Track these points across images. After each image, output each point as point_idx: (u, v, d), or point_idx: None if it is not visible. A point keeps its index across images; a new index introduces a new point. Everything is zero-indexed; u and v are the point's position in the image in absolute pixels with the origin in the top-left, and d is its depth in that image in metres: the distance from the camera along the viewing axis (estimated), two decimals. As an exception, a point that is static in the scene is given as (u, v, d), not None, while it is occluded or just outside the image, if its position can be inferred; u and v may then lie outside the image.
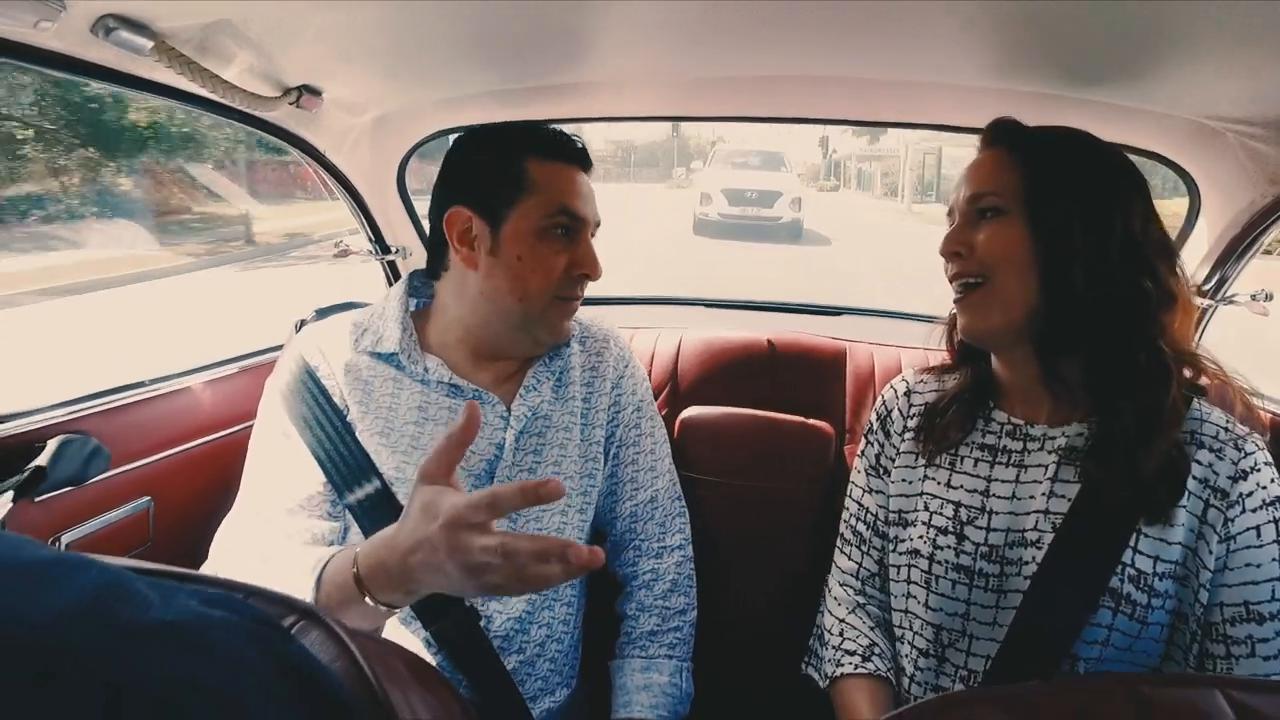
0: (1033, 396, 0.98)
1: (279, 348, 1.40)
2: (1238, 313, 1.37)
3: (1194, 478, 0.87)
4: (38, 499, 1.00)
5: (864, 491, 1.11)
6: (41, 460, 0.96)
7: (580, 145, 1.14)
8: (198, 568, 1.06)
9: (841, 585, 1.11)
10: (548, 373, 1.17)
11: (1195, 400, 0.92)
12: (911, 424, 1.07)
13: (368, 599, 0.79)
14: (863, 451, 1.13)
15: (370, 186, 1.57)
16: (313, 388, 1.09)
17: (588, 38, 1.12)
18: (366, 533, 1.03)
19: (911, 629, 1.00)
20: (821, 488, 1.41)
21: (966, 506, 0.97)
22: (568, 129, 1.16)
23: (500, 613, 1.06)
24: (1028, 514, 0.93)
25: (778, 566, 1.41)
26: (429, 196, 1.17)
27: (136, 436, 1.18)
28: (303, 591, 0.85)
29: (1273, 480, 0.86)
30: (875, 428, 1.12)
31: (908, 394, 1.11)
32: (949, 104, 1.32)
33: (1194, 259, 1.36)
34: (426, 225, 1.17)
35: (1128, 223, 0.88)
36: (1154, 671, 0.89)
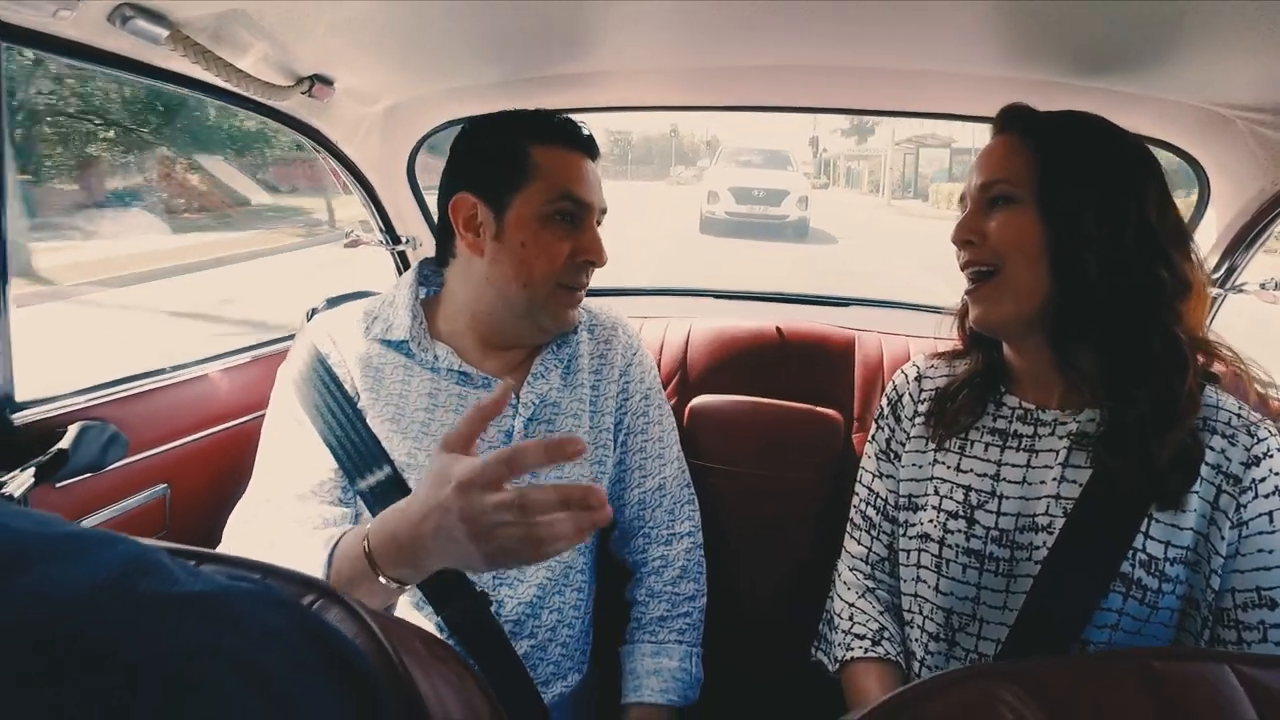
0: (1044, 382, 0.98)
1: (292, 337, 1.41)
2: (1247, 301, 1.37)
3: (1206, 463, 0.87)
4: (58, 485, 1.01)
5: (874, 476, 1.11)
6: (63, 444, 0.98)
7: (586, 133, 1.14)
8: (214, 555, 1.07)
9: (851, 570, 1.12)
10: (555, 360, 1.18)
11: (1208, 386, 0.91)
12: (922, 408, 1.07)
13: (380, 577, 0.79)
14: (873, 436, 1.14)
15: (380, 176, 1.58)
16: (324, 375, 1.10)
17: (596, 28, 1.13)
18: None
19: (921, 613, 1.01)
20: (830, 476, 1.41)
21: (977, 491, 0.97)
22: (575, 118, 1.16)
23: (511, 597, 1.07)
24: (1038, 499, 0.93)
25: (787, 554, 1.42)
26: (437, 190, 1.17)
27: (153, 424, 1.19)
28: (315, 570, 0.86)
29: None
30: (886, 412, 1.12)
31: (919, 379, 1.11)
32: (958, 93, 1.31)
33: (1203, 247, 1.36)
34: (437, 215, 1.18)
35: (1142, 209, 0.88)
36: None
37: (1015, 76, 1.18)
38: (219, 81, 1.04)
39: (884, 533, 1.09)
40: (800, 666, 1.17)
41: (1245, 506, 0.85)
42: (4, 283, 0.92)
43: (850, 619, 1.07)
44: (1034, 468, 0.95)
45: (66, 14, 0.83)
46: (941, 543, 0.98)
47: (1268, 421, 0.89)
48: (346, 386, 1.11)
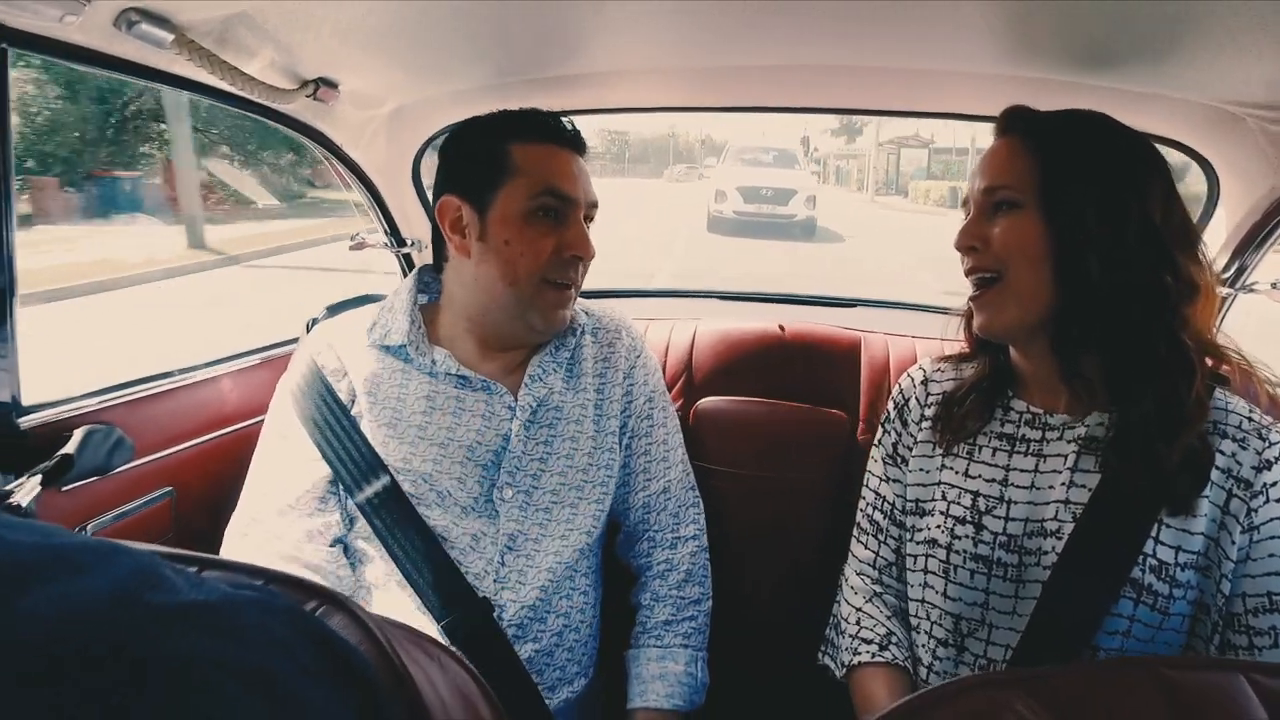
0: (1052, 386, 0.97)
1: (296, 340, 1.42)
2: (1258, 300, 1.36)
3: (1217, 468, 0.86)
4: (64, 489, 1.01)
5: (881, 480, 1.11)
6: (69, 449, 0.98)
7: (569, 128, 1.13)
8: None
9: (858, 574, 1.11)
10: (554, 363, 1.18)
11: (1218, 389, 0.91)
12: (929, 413, 1.07)
13: None
14: (879, 440, 1.13)
15: (385, 179, 1.58)
16: (322, 388, 1.12)
17: (601, 30, 1.13)
18: (376, 529, 1.06)
19: (930, 619, 1.00)
20: (836, 478, 1.41)
21: (985, 496, 0.96)
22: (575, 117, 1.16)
23: (513, 600, 1.07)
24: (1047, 504, 0.92)
25: (793, 556, 1.41)
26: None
27: (158, 428, 1.19)
28: None
29: None
30: (892, 416, 1.12)
31: (925, 382, 1.10)
32: (963, 92, 1.31)
33: (1213, 247, 1.34)
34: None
35: (1145, 209, 0.87)
36: None
37: (1021, 75, 1.17)
38: (224, 85, 1.04)
39: (891, 537, 1.09)
40: (805, 669, 1.16)
41: (1256, 511, 0.84)
42: (11, 290, 0.92)
43: (857, 623, 1.06)
44: (1042, 472, 0.94)
45: (72, 19, 0.84)
46: (949, 548, 0.97)
47: (1279, 425, 0.88)
48: (344, 396, 1.12)
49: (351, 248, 1.69)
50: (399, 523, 1.05)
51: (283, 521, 1.05)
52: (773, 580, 1.42)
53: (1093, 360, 0.91)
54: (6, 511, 0.87)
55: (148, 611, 0.30)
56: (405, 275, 1.71)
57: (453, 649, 0.53)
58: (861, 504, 1.14)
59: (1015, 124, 0.96)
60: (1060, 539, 0.90)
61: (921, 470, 1.05)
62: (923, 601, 1.01)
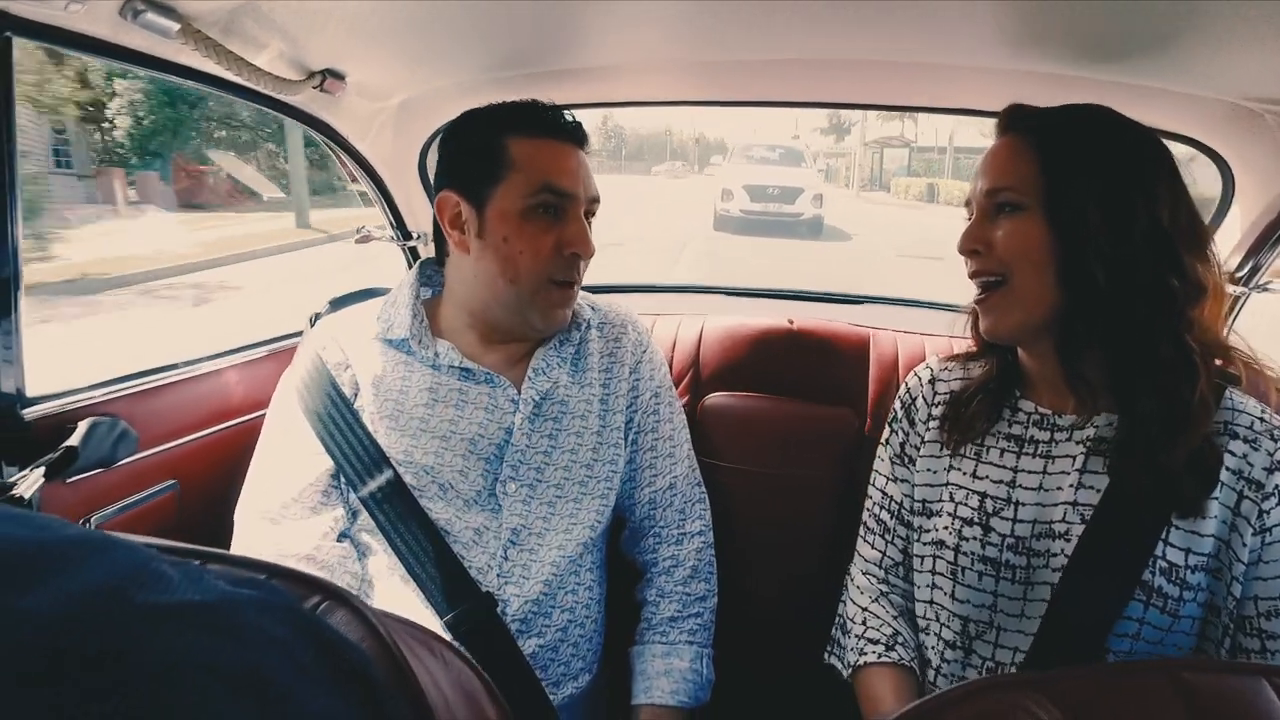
0: (1059, 387, 0.96)
1: (300, 334, 1.42)
2: (1270, 299, 1.34)
3: (1227, 469, 0.85)
4: (69, 480, 1.01)
5: (888, 480, 1.10)
6: (73, 441, 0.98)
7: (569, 120, 1.12)
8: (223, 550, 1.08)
9: (865, 574, 1.10)
10: (559, 357, 1.17)
11: (1228, 390, 0.89)
12: (936, 412, 1.06)
13: None
14: (886, 440, 1.12)
15: (391, 172, 1.58)
16: (326, 383, 1.11)
17: (608, 22, 1.12)
18: (380, 523, 1.05)
19: (937, 620, 0.99)
20: (843, 475, 1.40)
21: (992, 497, 0.96)
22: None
23: (517, 595, 1.06)
24: (1055, 505, 0.92)
25: (799, 553, 1.41)
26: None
27: (163, 420, 1.19)
28: None
29: None
30: (899, 416, 1.11)
31: (932, 382, 1.09)
32: (969, 87, 1.30)
33: (1227, 245, 1.33)
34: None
35: (1152, 210, 0.85)
36: None
37: (1029, 70, 1.16)
38: (230, 76, 1.04)
39: (898, 537, 1.08)
40: (809, 667, 1.16)
41: (1268, 513, 0.83)
42: (15, 282, 0.92)
43: (864, 623, 1.06)
44: (1050, 474, 0.93)
45: (77, 7, 0.83)
46: (957, 550, 0.96)
47: None
48: (348, 390, 1.11)
49: (356, 241, 1.69)
50: (402, 517, 1.05)
51: (290, 518, 1.05)
52: (778, 577, 1.41)
53: (1097, 362, 0.90)
54: (9, 503, 0.87)
55: (137, 611, 0.30)
56: (409, 268, 1.72)
57: (456, 645, 0.52)
58: (868, 503, 1.13)
59: (1017, 122, 0.94)
60: (1068, 541, 0.89)
61: (929, 471, 1.04)
62: (930, 603, 1.00)
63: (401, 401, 1.10)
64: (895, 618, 1.05)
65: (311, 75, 1.19)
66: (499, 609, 1.04)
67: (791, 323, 1.55)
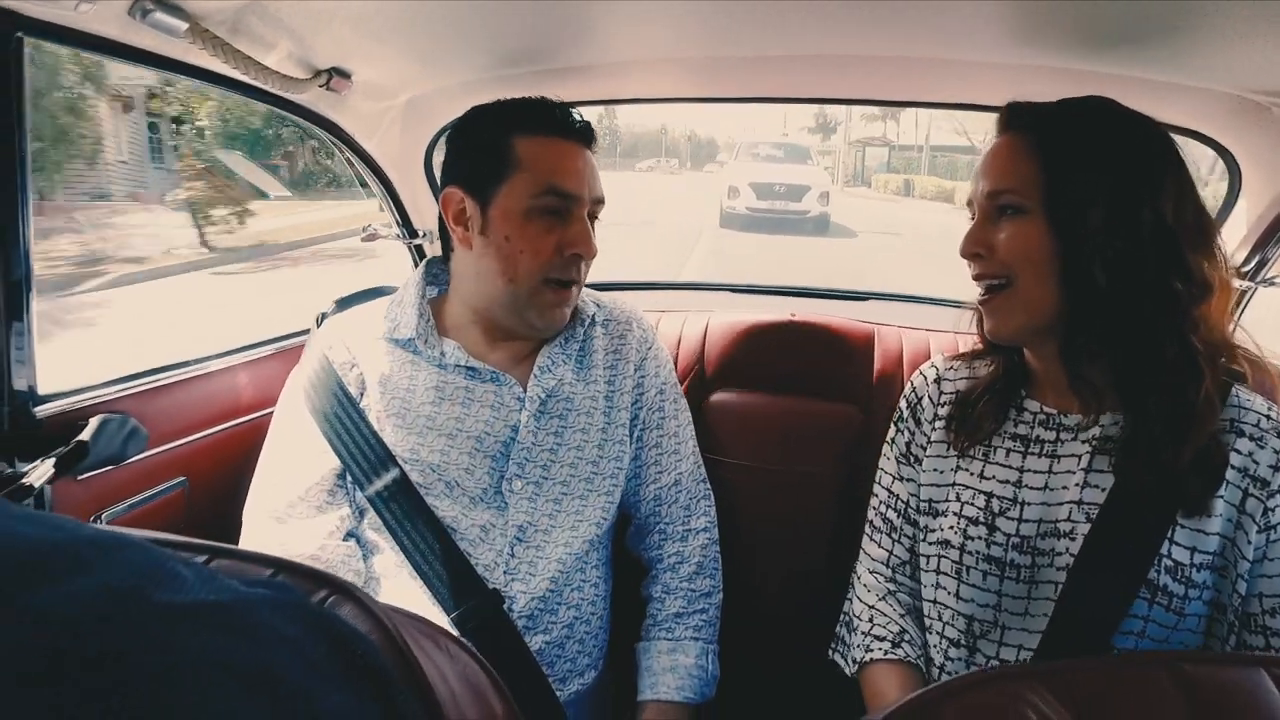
0: (1065, 387, 0.95)
1: (308, 331, 1.42)
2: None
3: (1233, 467, 0.85)
4: (80, 478, 1.02)
5: (894, 479, 1.10)
6: (83, 437, 0.99)
7: (577, 120, 1.12)
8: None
9: (871, 573, 1.10)
10: (564, 354, 1.17)
11: (1234, 387, 0.89)
12: (942, 412, 1.05)
13: None
14: (892, 439, 1.12)
15: (398, 170, 1.59)
16: (333, 383, 1.12)
17: (615, 19, 1.13)
18: (386, 521, 1.06)
19: (942, 619, 0.99)
20: (848, 471, 1.40)
21: (998, 497, 0.95)
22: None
23: (524, 592, 1.07)
24: (1060, 504, 0.91)
25: (804, 550, 1.41)
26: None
27: (172, 418, 1.20)
28: None
29: None
30: (905, 415, 1.10)
31: (938, 381, 1.08)
32: (974, 82, 1.30)
33: (1232, 240, 1.33)
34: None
35: (1157, 208, 0.84)
36: None
37: (1034, 64, 1.16)
38: (237, 74, 1.04)
39: (905, 536, 1.08)
40: (814, 663, 1.16)
41: (1274, 510, 0.83)
42: (27, 283, 0.93)
43: (870, 621, 1.06)
44: (1056, 473, 0.93)
45: (87, 7, 0.84)
46: (962, 549, 0.96)
47: None
48: (354, 389, 1.12)
49: (363, 239, 1.70)
50: (409, 514, 1.05)
51: (296, 517, 1.06)
52: (783, 573, 1.41)
53: (1101, 363, 0.89)
54: (20, 494, 0.88)
55: (152, 611, 0.30)
56: (416, 266, 1.72)
57: (462, 640, 0.52)
58: (874, 502, 1.13)
59: (1016, 119, 0.94)
60: (1074, 540, 0.89)
61: (935, 471, 1.04)
62: (935, 602, 1.00)
63: (408, 400, 1.11)
64: (902, 616, 1.05)
65: (318, 74, 1.19)
66: (505, 606, 1.05)
67: (793, 315, 1.55)
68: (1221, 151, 1.28)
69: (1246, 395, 0.89)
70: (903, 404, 1.12)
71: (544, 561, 1.09)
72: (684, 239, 13.51)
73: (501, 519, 1.09)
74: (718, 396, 1.48)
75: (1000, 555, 0.93)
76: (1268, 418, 0.86)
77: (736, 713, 1.24)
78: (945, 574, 0.98)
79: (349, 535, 1.08)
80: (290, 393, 1.16)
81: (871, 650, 1.03)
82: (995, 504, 0.95)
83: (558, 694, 1.06)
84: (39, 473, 0.91)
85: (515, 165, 1.07)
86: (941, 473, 1.03)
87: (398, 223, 1.68)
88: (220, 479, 1.26)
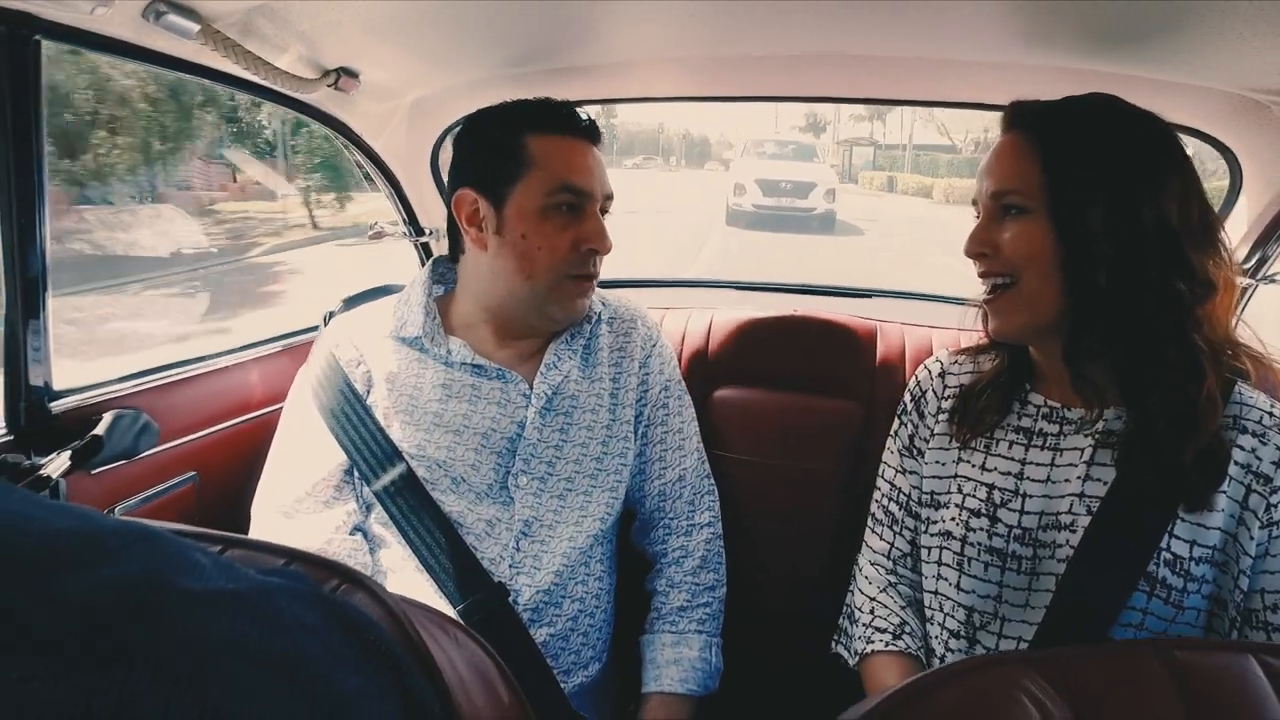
0: (1069, 382, 0.95)
1: (317, 328, 1.44)
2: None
3: (1236, 463, 0.85)
4: (93, 472, 1.04)
5: (896, 471, 1.11)
6: (98, 431, 1.00)
7: (585, 119, 1.13)
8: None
9: (873, 565, 1.11)
10: (570, 351, 1.18)
11: (1237, 384, 0.89)
12: (946, 405, 1.06)
13: None
14: (895, 432, 1.13)
15: (405, 169, 1.60)
16: (340, 382, 1.13)
17: (620, 18, 1.13)
18: (393, 515, 1.07)
19: (943, 610, 1.00)
20: (851, 467, 1.41)
21: (1000, 489, 0.96)
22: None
23: (529, 585, 1.08)
24: (1062, 497, 0.92)
25: (807, 544, 1.42)
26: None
27: (183, 413, 1.21)
28: None
29: None
30: (909, 408, 1.11)
31: (942, 374, 1.09)
32: (976, 81, 1.30)
33: (1233, 237, 1.33)
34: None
35: (1160, 207, 0.84)
36: None
37: (1036, 64, 1.16)
38: (248, 75, 1.06)
39: (906, 528, 1.08)
40: (817, 656, 1.17)
41: (1276, 507, 0.83)
42: (43, 280, 0.94)
43: (871, 613, 1.06)
44: (1058, 466, 0.94)
45: (103, 10, 0.86)
46: (964, 541, 0.97)
47: None
48: (360, 387, 1.13)
49: (370, 237, 1.71)
50: (415, 510, 1.07)
51: (303, 512, 1.08)
52: (786, 568, 1.42)
53: (1103, 361, 0.90)
54: (37, 486, 0.90)
55: (177, 597, 0.31)
56: (423, 264, 1.73)
57: (469, 629, 0.53)
58: (876, 495, 1.14)
59: (1019, 119, 0.94)
60: (1074, 532, 0.90)
61: (938, 463, 1.04)
62: (935, 593, 1.01)
63: (415, 397, 1.12)
64: (903, 608, 1.06)
65: (326, 74, 1.20)
66: (511, 599, 1.06)
67: (799, 315, 1.55)
68: (1222, 149, 1.28)
69: (1249, 392, 0.89)
70: (906, 397, 1.12)
71: (549, 556, 1.10)
72: (691, 227, 14.35)
73: (507, 514, 1.10)
74: (721, 392, 1.48)
75: (1001, 546, 0.94)
76: (1270, 414, 0.87)
77: (739, 705, 1.24)
78: (946, 565, 0.99)
79: (356, 530, 1.09)
80: (298, 390, 1.17)
81: (872, 642, 1.03)
82: (997, 495, 0.96)
83: (562, 686, 1.07)
84: (55, 466, 0.93)
85: (529, 164, 1.08)
86: (944, 465, 1.04)
87: (404, 221, 1.69)
88: (230, 474, 1.28)
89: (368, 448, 1.09)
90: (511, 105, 1.14)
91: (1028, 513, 0.93)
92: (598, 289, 1.22)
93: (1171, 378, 0.84)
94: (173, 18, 0.90)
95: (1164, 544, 0.85)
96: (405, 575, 1.06)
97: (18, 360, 0.93)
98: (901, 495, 1.09)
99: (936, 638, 1.00)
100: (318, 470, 1.10)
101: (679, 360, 1.42)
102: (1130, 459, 0.87)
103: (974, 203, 0.98)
